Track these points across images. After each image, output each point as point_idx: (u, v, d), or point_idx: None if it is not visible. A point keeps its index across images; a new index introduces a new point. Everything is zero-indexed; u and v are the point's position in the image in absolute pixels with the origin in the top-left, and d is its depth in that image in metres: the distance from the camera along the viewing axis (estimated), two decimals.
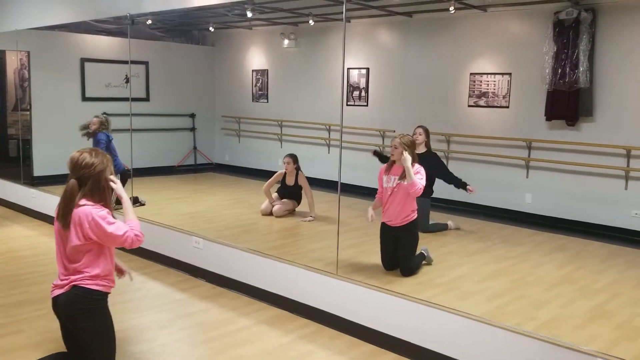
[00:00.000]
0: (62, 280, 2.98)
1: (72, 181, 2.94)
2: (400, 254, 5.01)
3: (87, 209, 2.87)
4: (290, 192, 7.23)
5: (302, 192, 7.21)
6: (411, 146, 4.91)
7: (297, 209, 7.30)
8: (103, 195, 2.96)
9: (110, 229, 2.88)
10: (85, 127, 7.40)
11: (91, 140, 7.32)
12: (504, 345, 3.47)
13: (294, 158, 7.19)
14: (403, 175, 4.87)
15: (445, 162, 8.05)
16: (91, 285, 2.94)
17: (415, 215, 5.03)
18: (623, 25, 6.59)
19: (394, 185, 4.93)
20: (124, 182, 7.27)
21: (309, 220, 6.92)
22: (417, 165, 4.93)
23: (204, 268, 5.43)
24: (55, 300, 3.00)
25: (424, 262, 5.23)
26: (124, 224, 2.96)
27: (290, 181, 7.19)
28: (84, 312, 2.93)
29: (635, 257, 5.84)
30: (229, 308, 4.71)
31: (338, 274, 4.44)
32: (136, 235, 2.95)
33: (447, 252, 5.80)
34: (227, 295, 5.02)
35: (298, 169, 7.18)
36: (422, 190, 4.84)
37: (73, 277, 2.94)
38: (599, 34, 6.74)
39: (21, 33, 8.39)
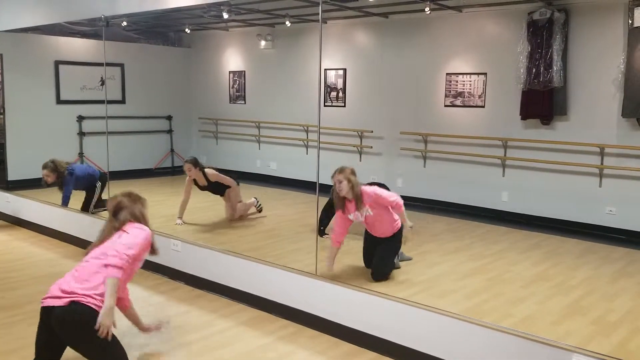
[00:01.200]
0: (61, 291, 3.02)
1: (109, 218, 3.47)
2: (379, 254, 4.99)
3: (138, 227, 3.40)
4: (215, 190, 7.00)
5: (224, 183, 6.94)
6: (353, 174, 4.87)
7: (261, 213, 7.30)
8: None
9: (125, 240, 3.23)
10: (46, 183, 6.80)
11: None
12: (482, 342, 3.51)
13: (192, 162, 6.75)
14: (360, 206, 4.83)
15: (422, 162, 8.15)
16: (90, 304, 3.01)
17: (399, 224, 5.05)
18: (595, 25, 6.70)
19: (365, 216, 4.91)
20: (103, 185, 7.20)
21: (253, 207, 7.19)
22: (370, 190, 4.90)
23: (182, 270, 5.39)
24: (50, 311, 3.01)
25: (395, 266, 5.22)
26: (125, 258, 3.14)
27: (202, 182, 6.88)
28: (87, 328, 2.97)
29: (609, 253, 5.94)
30: (208, 310, 4.69)
31: (317, 275, 4.44)
32: (117, 266, 3.09)
33: (425, 251, 5.84)
34: (206, 297, 5.00)
35: (202, 168, 6.82)
36: (401, 201, 4.92)
37: (77, 293, 3.00)
38: (571, 33, 6.84)
39: None
